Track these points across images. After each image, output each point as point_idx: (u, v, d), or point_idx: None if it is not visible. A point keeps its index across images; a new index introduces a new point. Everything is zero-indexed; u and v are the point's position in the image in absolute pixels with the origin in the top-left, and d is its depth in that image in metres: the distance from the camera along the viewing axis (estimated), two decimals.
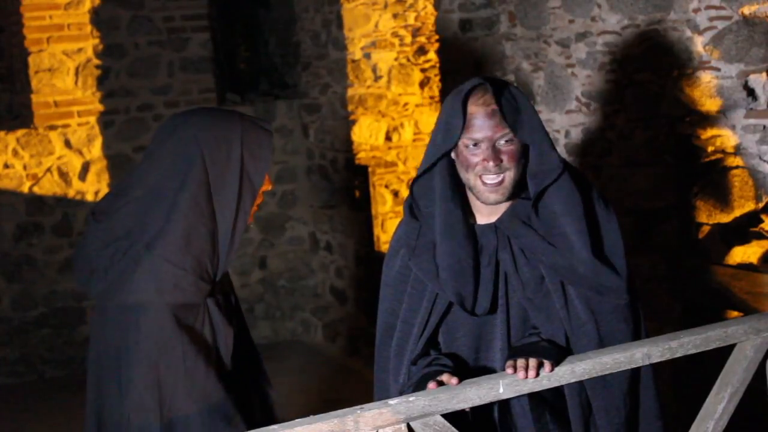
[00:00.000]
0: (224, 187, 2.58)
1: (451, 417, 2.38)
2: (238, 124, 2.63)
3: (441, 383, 2.41)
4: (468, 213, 2.59)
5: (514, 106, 2.49)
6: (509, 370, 2.40)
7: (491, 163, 2.49)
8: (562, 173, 2.51)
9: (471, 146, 2.51)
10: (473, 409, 2.45)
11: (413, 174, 6.89)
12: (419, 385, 2.48)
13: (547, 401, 2.58)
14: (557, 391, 2.57)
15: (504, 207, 2.57)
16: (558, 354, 2.49)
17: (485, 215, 2.59)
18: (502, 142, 2.50)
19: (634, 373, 2.61)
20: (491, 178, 2.51)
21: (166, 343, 2.57)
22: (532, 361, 2.41)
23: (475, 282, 2.54)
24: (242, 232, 2.63)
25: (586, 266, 2.52)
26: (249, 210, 2.63)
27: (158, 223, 2.54)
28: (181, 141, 2.60)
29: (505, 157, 2.50)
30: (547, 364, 2.42)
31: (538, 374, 2.40)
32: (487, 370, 2.57)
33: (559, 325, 2.55)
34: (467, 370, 2.56)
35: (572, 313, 2.55)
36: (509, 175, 2.51)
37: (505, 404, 2.57)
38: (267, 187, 2.69)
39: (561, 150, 4.46)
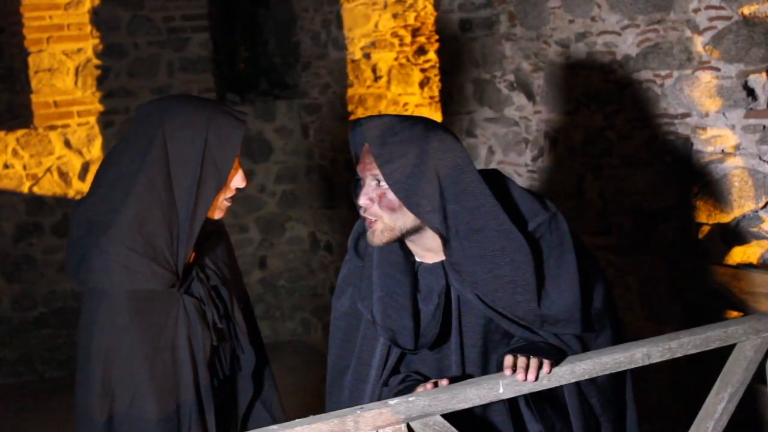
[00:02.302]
0: (184, 170, 2.49)
1: (451, 417, 2.38)
2: (207, 109, 2.55)
3: (435, 385, 2.40)
4: (409, 252, 2.49)
5: (392, 158, 2.33)
6: (508, 371, 2.37)
7: (361, 199, 2.40)
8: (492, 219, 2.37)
9: (360, 180, 2.45)
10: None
11: None
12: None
13: (545, 396, 2.56)
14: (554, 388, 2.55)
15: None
16: (557, 354, 2.48)
17: (427, 255, 2.48)
18: (373, 183, 2.39)
19: (620, 375, 2.60)
20: (367, 221, 2.42)
21: (119, 334, 2.50)
22: (533, 362, 2.38)
23: (414, 318, 2.43)
24: (202, 220, 2.52)
25: (529, 311, 2.43)
26: (211, 198, 2.52)
27: (115, 206, 2.50)
28: (147, 123, 2.55)
29: (375, 200, 2.38)
30: (546, 365, 2.39)
31: (537, 377, 2.38)
32: None
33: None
34: None
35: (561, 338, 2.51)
36: (380, 223, 2.39)
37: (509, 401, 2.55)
38: (241, 183, 2.60)
39: (561, 150, 4.46)
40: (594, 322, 2.53)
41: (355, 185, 2.53)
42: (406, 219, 2.39)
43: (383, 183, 2.37)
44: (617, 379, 2.60)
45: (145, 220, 2.48)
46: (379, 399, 2.50)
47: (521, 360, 2.38)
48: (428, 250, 2.47)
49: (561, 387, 2.50)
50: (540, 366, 2.38)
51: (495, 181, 2.48)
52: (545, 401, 2.54)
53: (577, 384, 2.51)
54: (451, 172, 2.36)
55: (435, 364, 2.53)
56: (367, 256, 2.51)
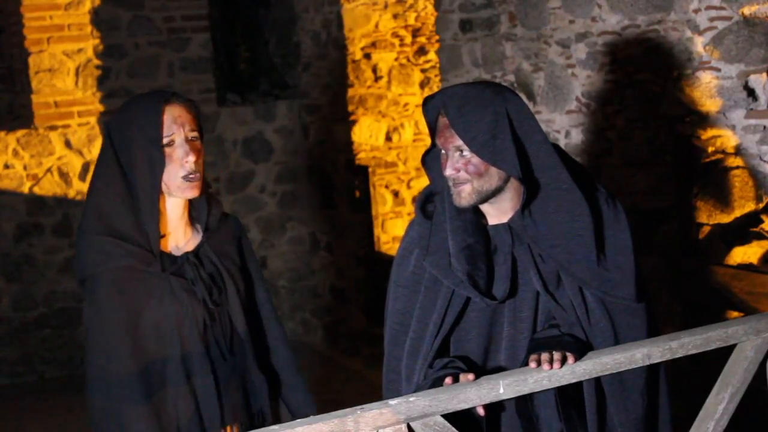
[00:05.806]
0: (127, 153, 2.65)
1: (452, 417, 2.39)
2: (140, 95, 2.75)
3: (457, 379, 2.43)
4: (480, 214, 2.60)
5: (471, 124, 2.47)
6: (533, 364, 2.42)
7: (448, 170, 2.52)
8: (559, 182, 2.53)
9: (441, 151, 2.56)
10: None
11: (413, 174, 6.90)
12: (434, 387, 2.48)
13: (571, 395, 2.58)
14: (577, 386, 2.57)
15: (515, 207, 2.56)
16: (581, 348, 2.50)
17: (497, 216, 2.59)
18: (456, 154, 2.51)
19: (651, 373, 2.62)
20: (454, 184, 2.54)
21: (101, 308, 2.63)
22: (557, 354, 2.43)
23: (488, 268, 2.54)
24: (155, 197, 2.63)
25: (588, 267, 2.53)
26: (158, 175, 2.63)
27: (85, 203, 2.72)
28: None
29: (461, 168, 2.50)
30: (570, 357, 2.44)
31: (562, 367, 2.42)
32: (497, 370, 2.58)
33: (576, 320, 2.56)
34: (479, 371, 2.55)
35: (589, 310, 2.56)
36: (469, 186, 2.51)
37: (529, 397, 2.58)
38: (187, 156, 2.65)
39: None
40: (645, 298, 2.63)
41: (427, 152, 2.65)
42: (492, 181, 2.52)
43: (466, 152, 2.49)
44: (646, 378, 2.63)
45: (102, 205, 2.65)
46: (424, 378, 2.57)
47: (545, 355, 2.44)
48: (502, 211, 2.58)
49: (581, 388, 2.54)
50: (564, 359, 2.44)
51: (557, 151, 2.62)
52: (571, 403, 2.57)
53: (598, 382, 2.55)
54: (524, 130, 2.50)
55: (487, 327, 2.60)
56: (436, 217, 2.62)
